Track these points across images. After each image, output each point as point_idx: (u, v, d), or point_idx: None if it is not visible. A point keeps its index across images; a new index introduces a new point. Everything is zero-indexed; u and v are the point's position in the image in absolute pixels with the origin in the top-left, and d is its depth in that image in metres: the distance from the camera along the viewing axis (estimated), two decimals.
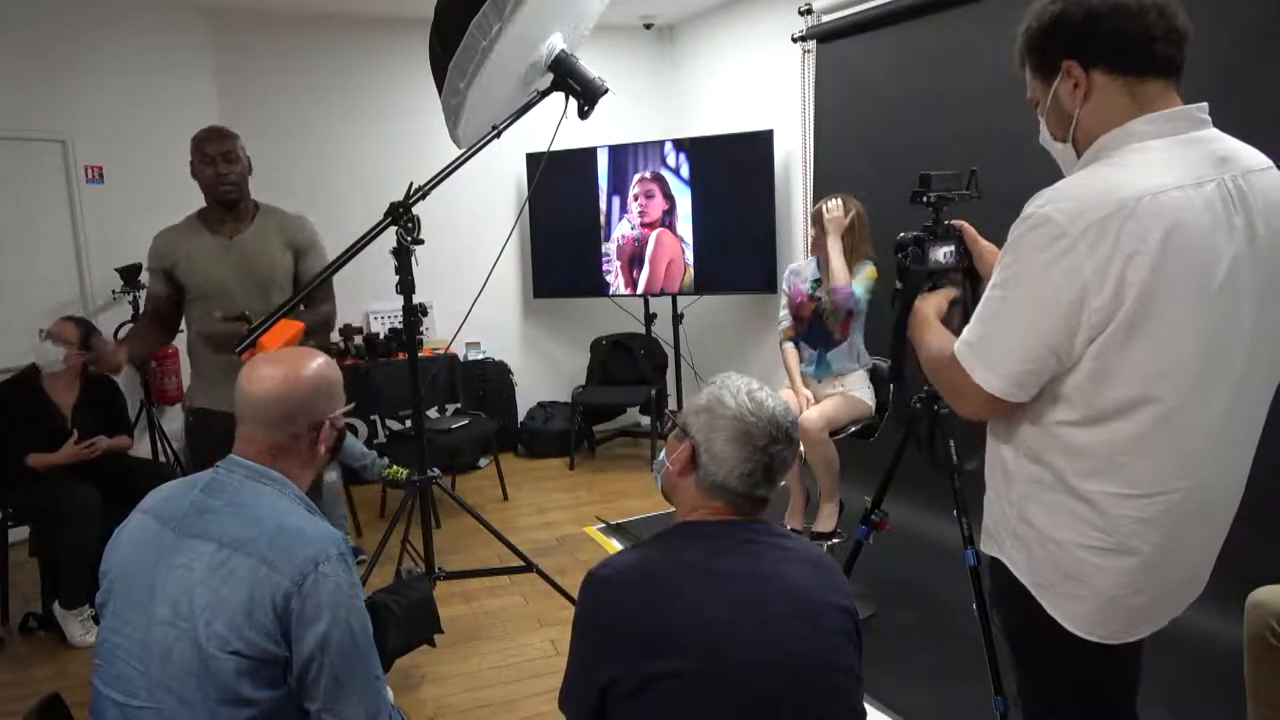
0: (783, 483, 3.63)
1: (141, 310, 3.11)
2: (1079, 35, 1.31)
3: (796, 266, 3.67)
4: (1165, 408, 1.27)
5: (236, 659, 1.33)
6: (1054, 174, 1.40)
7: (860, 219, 3.44)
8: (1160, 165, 1.25)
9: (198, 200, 4.98)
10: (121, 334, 4.59)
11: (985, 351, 1.34)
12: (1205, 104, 1.31)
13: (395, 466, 4.36)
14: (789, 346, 3.63)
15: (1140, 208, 1.21)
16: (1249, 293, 1.27)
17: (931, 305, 1.63)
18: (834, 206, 3.40)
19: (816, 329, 3.54)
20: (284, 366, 1.56)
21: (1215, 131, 1.32)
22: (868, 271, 3.41)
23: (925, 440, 2.45)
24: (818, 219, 3.43)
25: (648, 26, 5.99)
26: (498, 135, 2.46)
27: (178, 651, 1.35)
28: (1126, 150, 1.28)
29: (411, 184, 2.55)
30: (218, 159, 2.85)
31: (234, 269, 2.88)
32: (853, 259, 3.41)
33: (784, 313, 3.65)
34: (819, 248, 3.45)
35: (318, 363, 1.60)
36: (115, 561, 1.49)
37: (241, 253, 2.90)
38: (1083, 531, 1.34)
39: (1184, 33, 1.29)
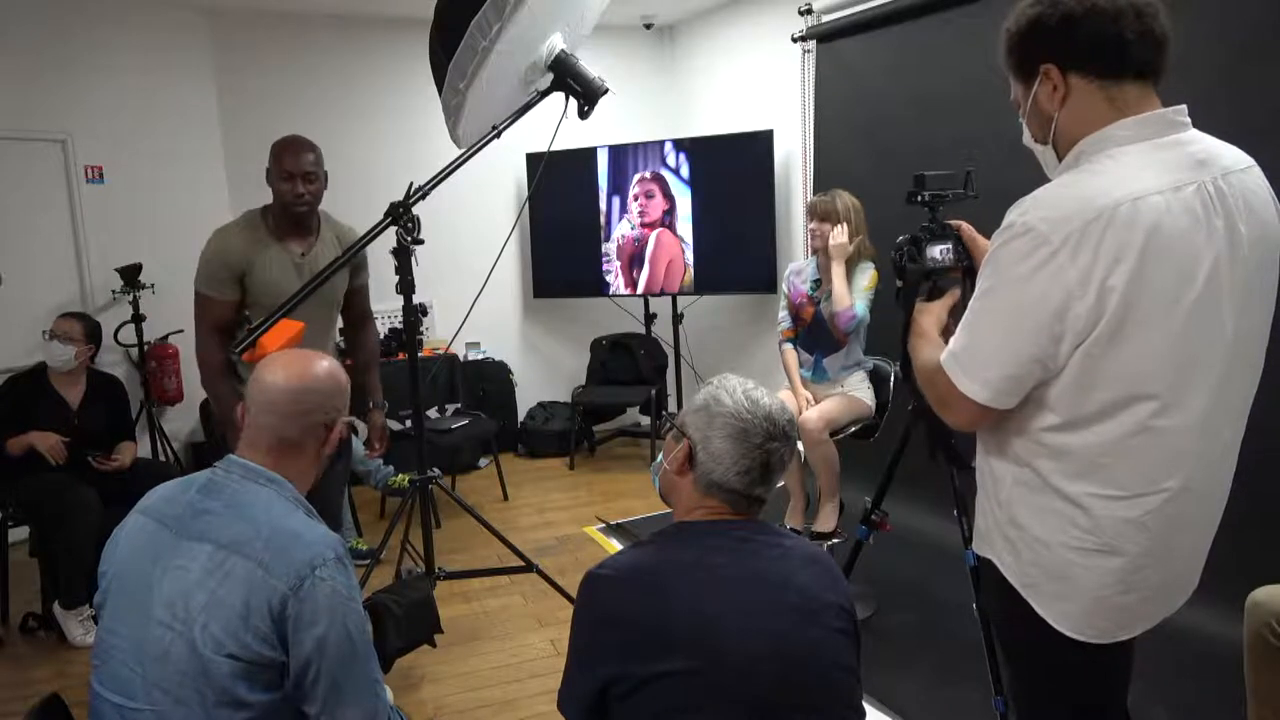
0: (781, 483, 3.64)
1: (202, 337, 2.81)
2: (1055, 38, 1.32)
3: (797, 266, 3.67)
4: (1149, 410, 1.27)
5: (232, 662, 1.33)
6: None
7: (859, 217, 3.42)
8: (1139, 170, 1.26)
9: (199, 200, 4.97)
10: (121, 334, 4.60)
11: (970, 361, 1.35)
12: (1184, 106, 1.32)
13: (401, 475, 4.35)
14: (788, 348, 3.63)
15: (1120, 214, 1.21)
16: (1230, 295, 1.28)
17: (931, 317, 1.62)
18: (839, 233, 3.36)
19: (816, 331, 3.54)
20: (303, 362, 1.56)
21: (1195, 133, 1.32)
22: (869, 280, 3.40)
23: (926, 437, 2.45)
24: (813, 212, 3.43)
25: (648, 26, 5.99)
26: (498, 135, 2.46)
27: (174, 653, 1.34)
28: (1105, 156, 1.29)
29: (411, 184, 2.55)
30: (298, 178, 2.75)
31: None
32: (853, 260, 3.41)
33: (783, 314, 3.65)
34: (820, 255, 3.46)
35: (332, 363, 1.61)
36: (113, 562, 1.49)
37: (312, 273, 2.82)
38: (1069, 532, 1.34)
39: (1161, 36, 1.29)
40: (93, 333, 3.55)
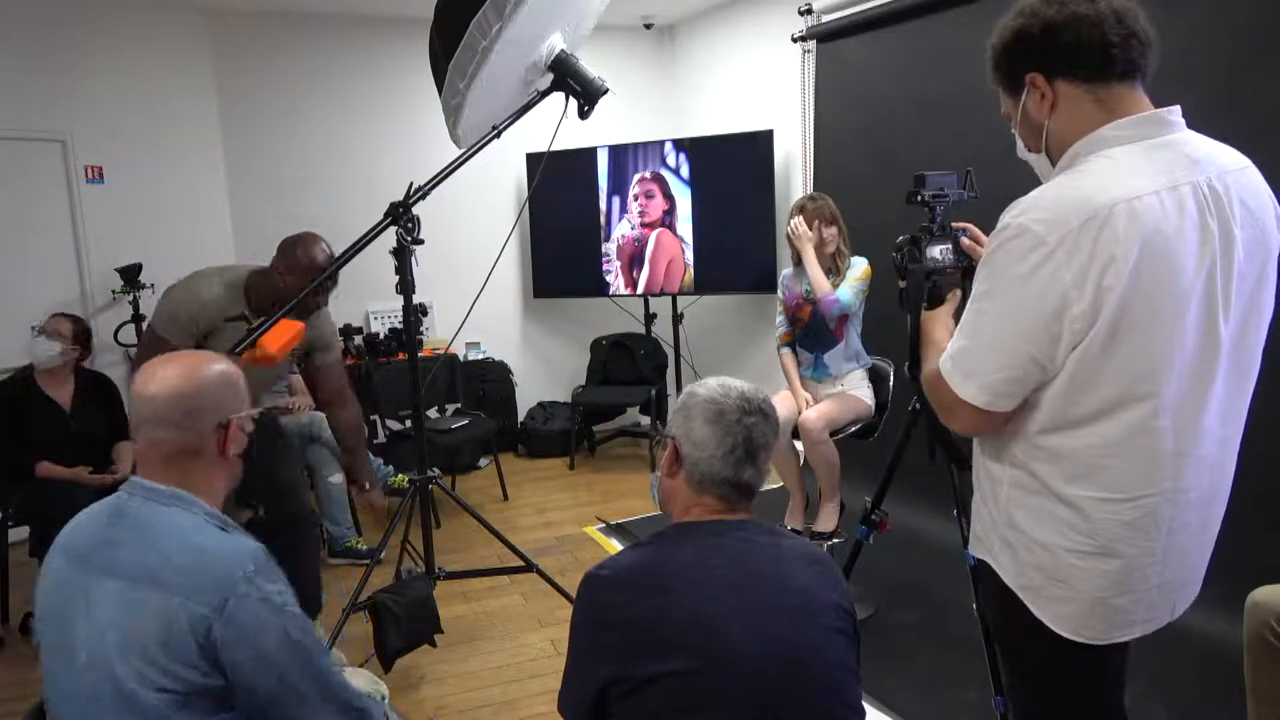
0: (781, 483, 3.63)
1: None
2: (1039, 48, 1.33)
3: (790, 271, 3.67)
4: (1144, 412, 1.27)
5: (164, 695, 1.27)
6: None
7: (836, 216, 3.46)
8: (1133, 171, 1.26)
9: (199, 199, 4.94)
10: (122, 334, 4.60)
11: (967, 364, 1.35)
12: (1177, 107, 1.32)
13: (400, 475, 4.35)
14: (786, 351, 3.63)
15: (1115, 214, 1.21)
16: (1225, 295, 1.28)
17: (943, 327, 1.62)
18: (797, 223, 3.44)
19: (814, 331, 3.54)
20: (183, 364, 1.47)
21: (1188, 134, 1.32)
22: (861, 271, 3.41)
23: (927, 435, 2.45)
24: (821, 215, 3.44)
25: (648, 26, 5.99)
26: (498, 135, 2.46)
27: (103, 694, 1.29)
28: (1099, 156, 1.29)
29: (411, 184, 2.55)
30: (328, 283, 2.72)
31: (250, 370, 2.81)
32: (840, 260, 3.44)
33: (780, 318, 3.65)
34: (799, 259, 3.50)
35: (219, 363, 1.51)
36: (38, 604, 1.42)
37: None
38: (1066, 535, 1.34)
39: (1144, 37, 1.29)
40: (80, 335, 3.55)
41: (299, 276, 2.71)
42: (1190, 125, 1.34)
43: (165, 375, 1.43)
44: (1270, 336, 1.38)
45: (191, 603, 1.28)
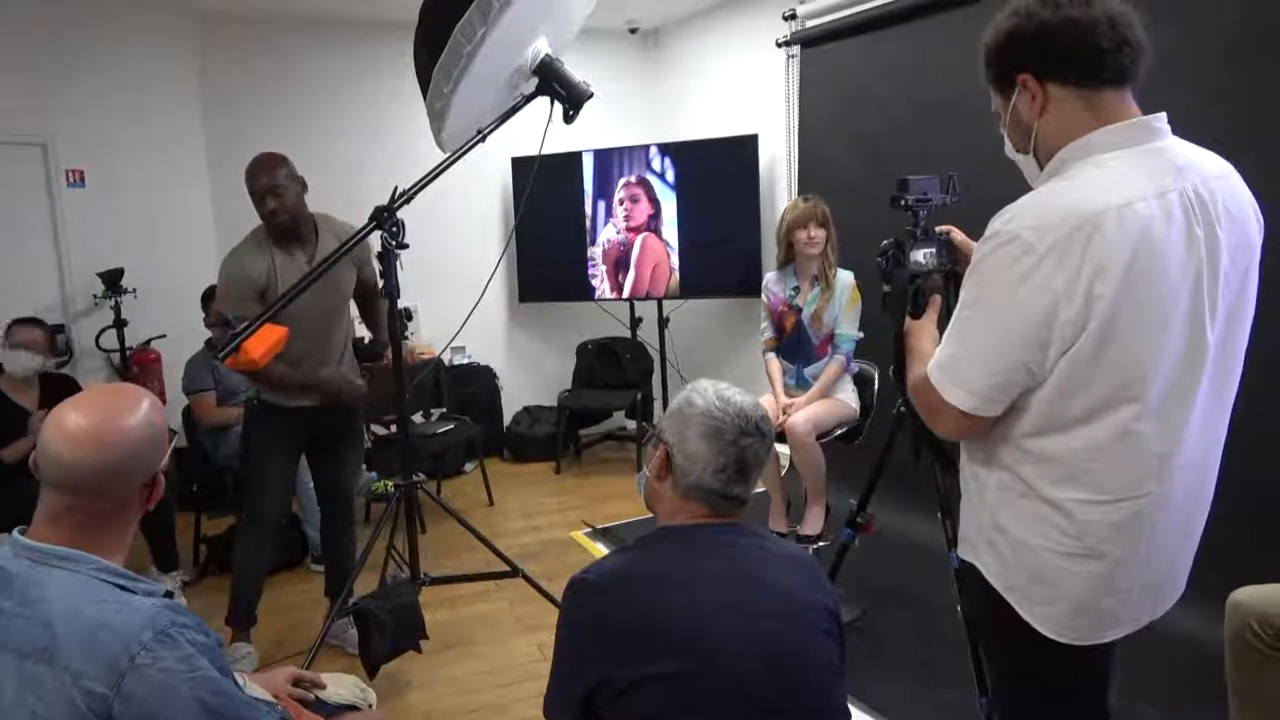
0: (762, 487, 3.64)
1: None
2: (1032, 48, 1.33)
3: (773, 274, 3.67)
4: (1130, 415, 1.28)
5: None
6: None
7: (828, 219, 3.48)
8: (1122, 178, 1.27)
9: (182, 204, 4.92)
10: (103, 340, 4.56)
11: (956, 370, 1.36)
12: (1163, 114, 1.33)
13: (383, 481, 4.33)
14: (772, 357, 3.64)
15: (1106, 221, 1.22)
16: (1211, 300, 1.29)
17: (929, 338, 1.62)
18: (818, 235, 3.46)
19: (798, 344, 3.55)
20: (100, 417, 1.29)
21: (1174, 140, 1.34)
22: (850, 294, 3.44)
23: (911, 441, 2.46)
24: (813, 217, 3.45)
25: (632, 31, 6.00)
26: (482, 139, 2.45)
27: None
28: (1087, 163, 1.30)
29: (396, 188, 2.54)
30: (266, 195, 2.80)
31: (311, 297, 2.69)
32: (827, 267, 3.47)
33: (765, 324, 3.65)
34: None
35: (142, 407, 1.35)
36: None
37: (318, 281, 2.83)
38: (1052, 536, 1.35)
39: (1136, 44, 1.30)
40: (53, 340, 3.55)
41: (255, 206, 2.84)
42: (1179, 126, 1.35)
43: (82, 438, 1.27)
44: (1251, 339, 1.40)
45: (86, 682, 1.17)
